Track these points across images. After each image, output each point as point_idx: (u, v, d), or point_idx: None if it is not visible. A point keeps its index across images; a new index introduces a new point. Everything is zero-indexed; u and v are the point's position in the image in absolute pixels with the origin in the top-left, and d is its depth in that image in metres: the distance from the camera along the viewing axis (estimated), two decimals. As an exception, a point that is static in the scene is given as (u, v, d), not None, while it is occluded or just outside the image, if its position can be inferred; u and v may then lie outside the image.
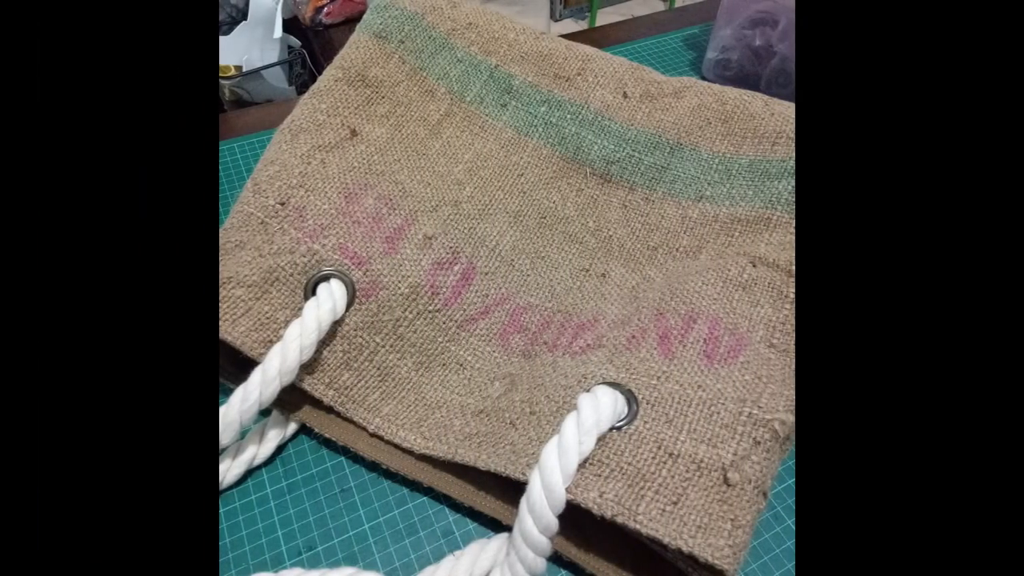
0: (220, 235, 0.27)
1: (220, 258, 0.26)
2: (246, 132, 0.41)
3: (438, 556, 0.24)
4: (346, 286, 0.26)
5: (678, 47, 0.51)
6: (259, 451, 0.25)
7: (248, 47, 0.93)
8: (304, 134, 0.29)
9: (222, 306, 0.24)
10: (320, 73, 0.32)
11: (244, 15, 0.93)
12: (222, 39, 0.91)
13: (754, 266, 0.27)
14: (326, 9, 0.99)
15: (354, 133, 0.30)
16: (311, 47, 1.03)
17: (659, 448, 0.22)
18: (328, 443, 0.27)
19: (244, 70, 0.92)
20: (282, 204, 0.27)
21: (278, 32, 0.93)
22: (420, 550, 0.24)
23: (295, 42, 1.02)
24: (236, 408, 0.23)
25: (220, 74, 0.89)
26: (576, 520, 0.22)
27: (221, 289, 0.25)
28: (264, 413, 0.26)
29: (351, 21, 1.02)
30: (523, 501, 0.21)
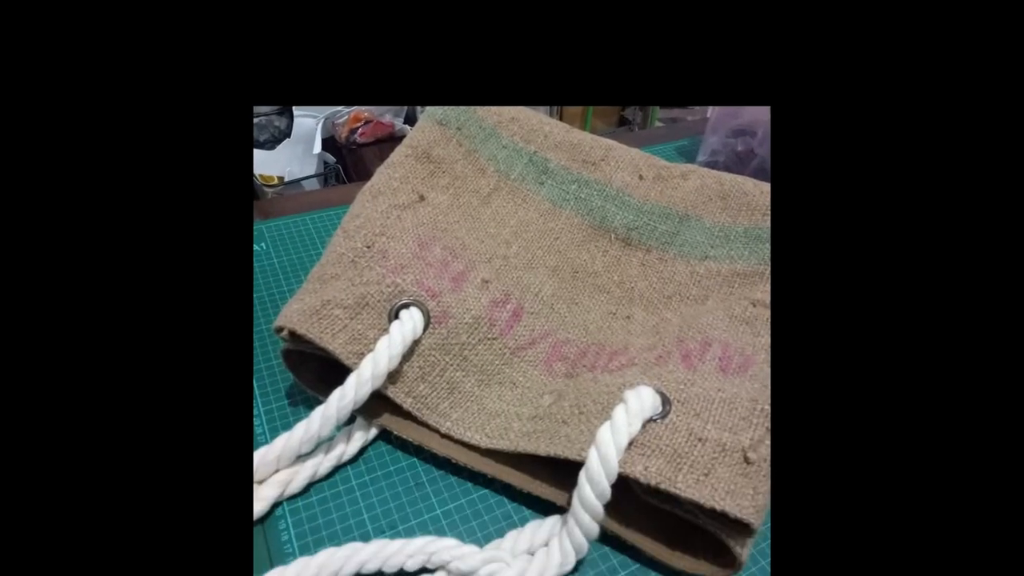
0: (318, 268, 0.32)
1: (321, 284, 0.31)
2: (286, 214, 0.47)
3: (500, 534, 0.28)
4: (423, 313, 0.31)
5: (672, 155, 0.59)
6: (347, 449, 0.30)
7: (290, 160, 1.04)
8: (382, 196, 0.36)
9: (324, 323, 0.30)
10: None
11: (287, 134, 1.05)
12: (268, 153, 1.02)
13: (754, 306, 0.33)
14: (360, 131, 1.12)
15: (422, 198, 0.37)
16: (345, 162, 1.14)
17: (690, 434, 0.26)
18: (403, 446, 0.31)
19: (286, 180, 1.03)
20: (368, 247, 0.33)
21: (317, 148, 1.04)
22: (485, 530, 0.28)
23: (331, 158, 1.13)
24: (334, 405, 0.28)
25: (265, 183, 0.99)
26: (617, 503, 0.26)
27: (323, 308, 0.30)
28: (350, 420, 0.31)
29: (380, 142, 1.13)
30: (582, 473, 0.25)
